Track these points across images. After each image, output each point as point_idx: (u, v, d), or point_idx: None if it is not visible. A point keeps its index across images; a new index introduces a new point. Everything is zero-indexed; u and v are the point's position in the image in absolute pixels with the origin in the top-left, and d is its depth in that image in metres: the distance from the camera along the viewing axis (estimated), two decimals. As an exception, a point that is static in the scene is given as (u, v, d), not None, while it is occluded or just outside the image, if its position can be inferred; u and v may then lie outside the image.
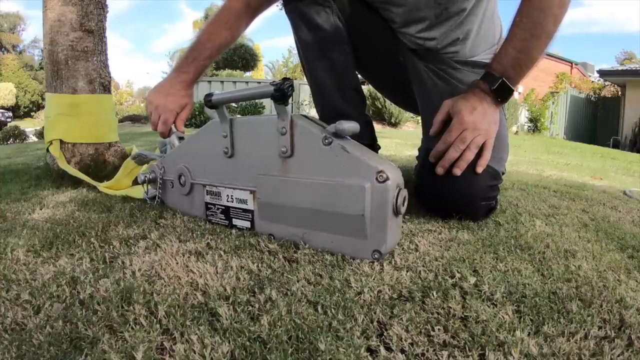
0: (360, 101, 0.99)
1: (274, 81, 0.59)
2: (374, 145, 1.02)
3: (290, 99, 0.60)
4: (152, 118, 0.88)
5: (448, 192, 0.76)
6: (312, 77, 0.96)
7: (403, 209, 0.58)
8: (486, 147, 0.73)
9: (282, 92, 0.57)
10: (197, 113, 5.73)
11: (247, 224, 0.69)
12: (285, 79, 0.58)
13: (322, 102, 0.99)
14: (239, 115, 0.65)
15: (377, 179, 0.55)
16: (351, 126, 0.58)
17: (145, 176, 0.84)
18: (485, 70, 0.76)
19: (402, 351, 0.38)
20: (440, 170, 0.73)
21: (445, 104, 0.75)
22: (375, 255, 0.56)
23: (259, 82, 7.59)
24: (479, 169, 0.73)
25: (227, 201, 0.71)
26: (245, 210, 0.69)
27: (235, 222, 0.71)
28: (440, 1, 0.81)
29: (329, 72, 0.94)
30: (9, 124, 9.44)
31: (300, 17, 0.93)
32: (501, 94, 0.73)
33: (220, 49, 0.91)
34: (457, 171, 0.72)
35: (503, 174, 0.81)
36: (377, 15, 0.91)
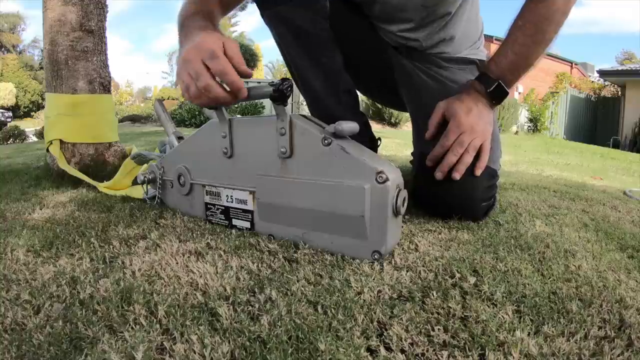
0: (355, 102, 0.97)
1: (272, 81, 0.59)
2: (373, 142, 1.01)
3: (290, 99, 0.60)
4: (185, 86, 0.58)
5: (448, 196, 0.75)
6: (305, 87, 0.91)
7: (403, 210, 0.58)
8: (484, 149, 0.72)
9: (281, 93, 0.57)
10: (197, 113, 5.73)
11: (247, 224, 0.69)
12: (284, 80, 0.58)
13: (318, 111, 0.94)
14: (238, 116, 0.65)
15: (376, 179, 0.55)
16: (350, 126, 0.58)
17: (145, 176, 0.84)
18: (481, 70, 0.75)
19: (402, 351, 0.38)
20: (439, 175, 0.72)
21: (439, 106, 0.75)
22: (375, 256, 0.56)
23: (259, 82, 7.59)
24: (478, 172, 0.73)
25: (227, 201, 0.71)
26: (244, 211, 0.69)
27: (235, 222, 0.71)
28: (427, 4, 0.80)
29: (322, 79, 0.90)
30: (9, 124, 9.43)
31: (283, 23, 0.86)
32: (496, 96, 0.73)
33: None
34: (457, 175, 0.71)
35: (498, 170, 0.81)
36: (359, 15, 0.90)
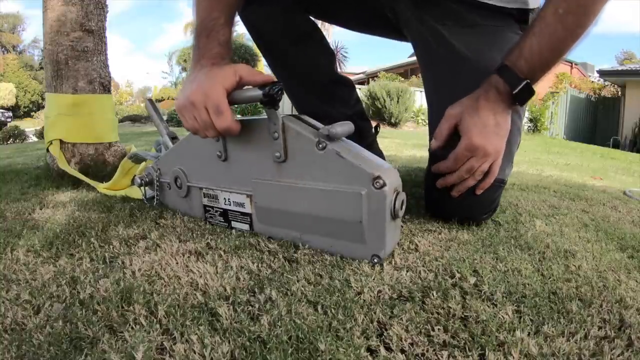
0: (344, 89, 0.92)
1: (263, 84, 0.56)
2: (367, 130, 0.96)
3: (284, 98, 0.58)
4: (187, 123, 0.60)
5: (454, 206, 0.74)
6: (286, 88, 0.87)
7: (401, 213, 0.57)
8: (492, 171, 0.66)
9: (271, 97, 0.55)
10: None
11: (246, 227, 0.69)
12: (274, 82, 0.55)
13: (300, 109, 0.92)
14: (238, 116, 0.63)
15: (373, 185, 0.53)
16: (345, 129, 0.56)
17: (142, 179, 0.83)
18: (504, 63, 0.62)
19: (402, 351, 0.38)
20: (439, 185, 0.69)
21: (450, 114, 0.65)
22: (375, 260, 0.56)
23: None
24: (479, 192, 0.68)
25: (225, 204, 0.71)
26: (243, 214, 0.69)
27: (234, 224, 0.70)
28: None
29: (301, 80, 0.86)
30: (9, 124, 9.44)
31: (250, 26, 0.84)
32: (521, 97, 0.62)
33: (230, 14, 0.66)
34: (455, 194, 0.68)
35: (506, 179, 0.77)
36: None
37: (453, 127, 0.65)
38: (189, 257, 0.58)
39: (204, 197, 0.74)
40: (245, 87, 0.59)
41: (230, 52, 0.63)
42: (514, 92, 0.61)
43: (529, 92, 0.61)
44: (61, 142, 1.11)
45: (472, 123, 0.62)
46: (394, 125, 6.95)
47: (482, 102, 0.63)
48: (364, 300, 0.46)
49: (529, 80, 0.60)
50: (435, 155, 0.74)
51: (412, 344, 0.38)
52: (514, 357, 0.36)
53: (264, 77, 0.57)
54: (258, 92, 0.56)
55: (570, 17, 0.57)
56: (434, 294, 0.47)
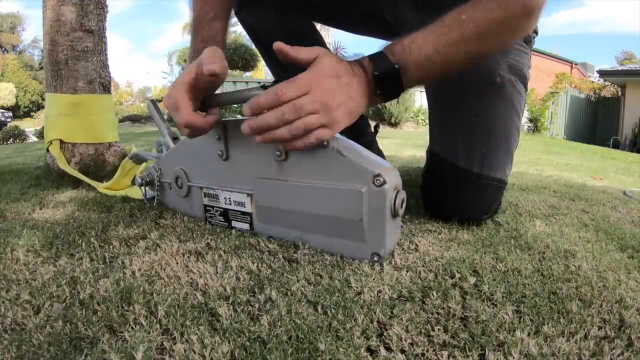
0: None
1: (264, 84, 0.57)
2: (365, 127, 0.97)
3: None
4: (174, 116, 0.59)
5: (454, 207, 0.74)
6: None
7: (401, 211, 0.57)
8: (316, 133, 0.52)
9: None
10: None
11: (246, 227, 0.69)
12: (275, 82, 0.56)
13: None
14: (239, 116, 0.63)
15: (374, 183, 0.54)
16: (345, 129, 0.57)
17: (142, 179, 0.83)
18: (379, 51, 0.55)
19: (402, 351, 0.38)
20: (248, 128, 0.54)
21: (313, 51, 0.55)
22: (375, 258, 0.56)
23: (259, 83, 7.54)
24: (290, 148, 0.54)
25: (225, 204, 0.71)
26: (243, 213, 0.69)
27: (235, 224, 0.71)
28: None
29: (286, 78, 0.89)
30: (9, 124, 9.44)
31: (247, 27, 0.87)
32: (384, 85, 0.54)
33: (221, 8, 0.68)
34: (260, 140, 0.53)
35: (506, 179, 0.77)
36: None
37: (307, 60, 0.53)
38: (189, 257, 0.58)
39: (205, 197, 0.74)
40: (245, 87, 0.59)
41: (215, 45, 0.60)
42: (375, 73, 0.53)
43: (394, 83, 0.54)
44: (61, 142, 1.11)
45: (329, 62, 0.51)
46: (394, 125, 6.95)
47: (345, 67, 0.53)
48: (364, 300, 0.46)
49: (397, 67, 0.53)
50: (434, 154, 0.75)
51: (412, 344, 0.38)
52: (514, 357, 0.36)
53: (221, 65, 0.53)
54: (259, 91, 0.56)
55: (470, 25, 0.53)
56: (434, 294, 0.47)
